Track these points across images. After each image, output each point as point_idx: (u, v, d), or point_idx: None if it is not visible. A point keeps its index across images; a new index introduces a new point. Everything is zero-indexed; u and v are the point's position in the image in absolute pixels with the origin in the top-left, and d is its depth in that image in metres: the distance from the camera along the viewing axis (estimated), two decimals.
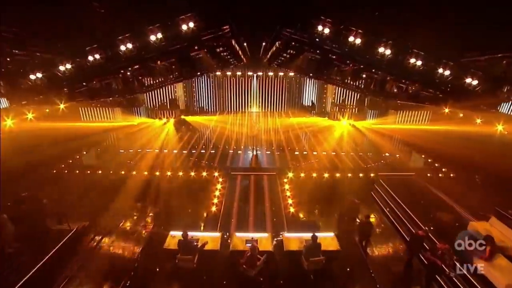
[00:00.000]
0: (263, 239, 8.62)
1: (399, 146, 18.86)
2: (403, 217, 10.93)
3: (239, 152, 16.95)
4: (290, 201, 11.67)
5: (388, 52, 11.75)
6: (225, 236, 9.40)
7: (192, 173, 13.75)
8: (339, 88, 23.89)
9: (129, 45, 11.54)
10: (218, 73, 24.29)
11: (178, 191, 12.64)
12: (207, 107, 25.75)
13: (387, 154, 17.04)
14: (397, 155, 17.08)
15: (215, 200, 11.63)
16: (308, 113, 24.40)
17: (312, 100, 25.08)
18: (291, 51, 13.25)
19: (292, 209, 11.20)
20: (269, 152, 17.03)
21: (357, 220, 11.08)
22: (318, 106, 25.17)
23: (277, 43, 13.53)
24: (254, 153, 16.47)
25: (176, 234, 8.69)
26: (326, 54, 12.12)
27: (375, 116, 21.90)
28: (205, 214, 11.16)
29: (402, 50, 11.73)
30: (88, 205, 11.43)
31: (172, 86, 24.03)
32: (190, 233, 8.45)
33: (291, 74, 24.28)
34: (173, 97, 24.25)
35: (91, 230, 10.20)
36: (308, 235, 8.31)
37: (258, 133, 16.67)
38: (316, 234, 8.16)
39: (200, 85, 25.15)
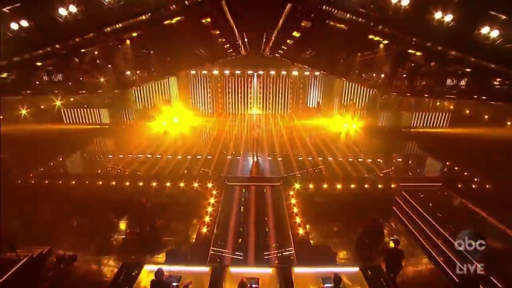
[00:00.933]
0: (266, 278, 6.55)
1: (417, 151, 16.83)
2: (437, 239, 8.84)
3: (238, 158, 14.91)
4: (298, 219, 9.59)
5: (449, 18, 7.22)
6: (217, 269, 7.32)
7: (181, 184, 11.71)
8: (347, 88, 22.02)
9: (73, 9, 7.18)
10: (216, 71, 22.39)
11: (163, 206, 10.62)
12: (203, 109, 23.77)
13: (399, 160, 15.09)
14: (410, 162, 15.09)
15: (207, 219, 9.57)
16: (313, 115, 22.40)
17: (318, 101, 23.10)
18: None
19: (301, 230, 9.13)
20: (270, 158, 14.97)
21: (381, 241, 9.06)
22: (324, 108, 23.18)
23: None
24: (255, 159, 14.45)
25: (153, 269, 6.62)
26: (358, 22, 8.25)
27: (387, 118, 19.89)
28: (192, 238, 9.12)
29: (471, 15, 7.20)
30: (54, 223, 9.45)
31: (167, 85, 22.21)
32: (169, 268, 6.43)
33: (295, 73, 22.36)
34: (166, 98, 22.33)
35: (51, 257, 8.17)
36: (325, 270, 6.28)
37: (259, 136, 14.63)
38: (337, 270, 6.11)
39: (196, 85, 23.22)
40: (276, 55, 13.91)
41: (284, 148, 16.33)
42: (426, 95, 10.70)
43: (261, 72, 22.65)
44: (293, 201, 10.80)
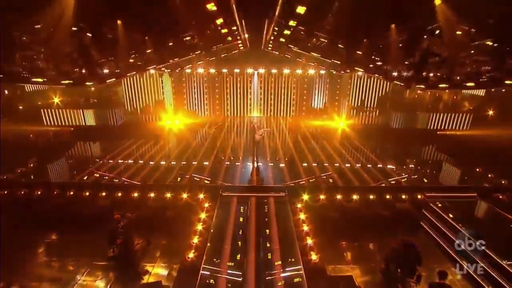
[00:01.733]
0: None
1: (439, 156, 14.95)
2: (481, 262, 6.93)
3: (237, 164, 13.05)
4: (309, 240, 7.67)
5: None
6: None
7: (168, 195, 9.81)
8: (356, 88, 20.27)
9: None
10: (213, 70, 20.65)
11: (143, 223, 8.71)
12: (199, 110, 21.95)
13: (411, 166, 13.28)
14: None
15: (195, 240, 7.66)
16: (319, 116, 20.58)
17: (324, 102, 21.30)
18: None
19: (314, 256, 7.21)
20: (272, 164, 13.09)
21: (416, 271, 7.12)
22: (330, 109, 21.35)
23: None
24: (255, 165, 12.57)
25: None
26: None
27: (401, 120, 18.05)
28: (174, 270, 7.22)
29: None
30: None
31: (159, 85, 20.47)
32: None
33: (299, 71, 20.62)
34: (158, 98, 20.57)
35: None
36: None
37: (261, 138, 12.78)
38: None
39: (192, 85, 21.45)
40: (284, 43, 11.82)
41: (288, 152, 14.47)
42: (470, 84, 8.74)
43: (261, 71, 20.92)
44: (302, 216, 8.88)
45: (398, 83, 10.03)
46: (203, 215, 8.81)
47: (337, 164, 13.04)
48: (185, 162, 13.00)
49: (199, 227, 8.29)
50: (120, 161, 13.14)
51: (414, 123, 17.57)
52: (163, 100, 20.12)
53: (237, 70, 20.70)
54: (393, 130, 17.67)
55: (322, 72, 20.70)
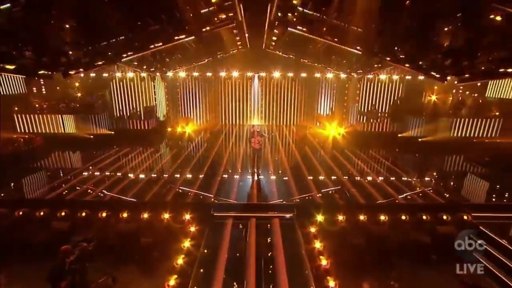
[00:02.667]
0: None
1: (467, 166, 12.87)
2: None
3: (235, 177, 10.96)
4: (332, 283, 5.52)
5: None
6: None
7: (145, 215, 7.71)
8: (366, 93, 18.46)
9: None
10: (209, 73, 18.90)
11: (108, 254, 6.62)
12: (194, 117, 20.03)
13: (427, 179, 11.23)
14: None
15: (172, 281, 5.54)
16: (326, 123, 18.63)
17: (330, 108, 19.41)
18: None
19: None
20: (274, 177, 11.00)
21: None
22: (338, 115, 19.42)
23: None
24: (256, 178, 10.54)
25: None
26: None
27: (419, 126, 16.07)
28: None
29: None
30: None
31: (149, 90, 18.65)
32: None
33: (304, 74, 18.85)
34: (150, 104, 18.69)
35: None
36: None
37: (261, 146, 10.79)
38: None
39: (186, 90, 19.64)
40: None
41: (295, 164, 12.42)
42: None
43: (263, 74, 19.15)
44: (318, 244, 6.75)
45: (434, 74, 8.12)
46: (186, 243, 6.70)
47: (356, 178, 10.95)
48: (166, 175, 10.92)
49: (181, 260, 6.16)
50: (96, 173, 11.09)
51: (434, 130, 15.57)
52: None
53: (235, 74, 18.93)
54: (412, 139, 15.67)
55: (329, 75, 18.91)
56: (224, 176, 10.84)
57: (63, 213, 7.69)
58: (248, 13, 10.41)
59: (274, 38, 13.96)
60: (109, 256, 6.67)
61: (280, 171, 11.53)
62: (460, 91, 18.38)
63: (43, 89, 18.27)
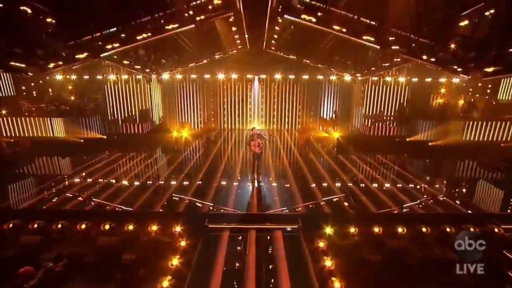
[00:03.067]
0: None
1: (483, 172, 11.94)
2: None
3: (233, 184, 10.05)
4: None
5: None
6: None
7: (130, 226, 6.76)
8: (371, 95, 17.71)
9: None
10: (207, 75, 18.12)
11: (84, 274, 5.66)
12: (192, 121, 19.19)
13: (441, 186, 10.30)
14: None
15: None
16: (330, 127, 17.81)
17: (335, 111, 18.56)
18: None
19: None
20: (276, 184, 10.05)
21: None
22: (342, 119, 18.61)
23: None
24: (256, 185, 9.61)
25: None
26: None
27: (428, 129, 15.20)
28: None
29: None
30: None
31: (144, 92, 17.90)
32: None
33: (305, 76, 18.06)
34: (145, 107, 17.90)
35: None
36: None
37: (262, 150, 9.91)
38: None
39: (183, 92, 18.85)
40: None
41: (298, 170, 11.50)
42: None
43: (263, 76, 18.37)
44: (328, 262, 5.79)
45: (456, 67, 7.27)
46: (175, 261, 5.75)
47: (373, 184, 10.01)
48: (157, 182, 10.00)
49: (166, 282, 5.21)
50: (81, 179, 10.17)
51: (445, 133, 14.68)
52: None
53: (235, 76, 18.15)
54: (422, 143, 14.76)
55: (332, 77, 18.13)
56: (221, 183, 9.90)
57: (35, 225, 6.75)
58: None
59: (275, 36, 13.21)
60: (85, 277, 5.70)
61: (282, 178, 10.58)
62: (470, 93, 17.59)
63: (34, 92, 17.53)
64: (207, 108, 19.17)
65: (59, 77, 16.85)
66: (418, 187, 9.79)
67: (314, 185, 9.69)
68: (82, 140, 14.39)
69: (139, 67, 14.72)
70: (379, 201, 8.48)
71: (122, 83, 17.66)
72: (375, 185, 9.85)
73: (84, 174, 10.58)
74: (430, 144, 14.31)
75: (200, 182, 9.84)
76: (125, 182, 9.83)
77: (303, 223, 7.10)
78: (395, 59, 13.16)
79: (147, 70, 15.50)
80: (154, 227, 6.74)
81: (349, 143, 14.67)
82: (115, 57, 13.37)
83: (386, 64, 14.20)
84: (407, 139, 15.25)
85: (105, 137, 15.34)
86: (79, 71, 16.92)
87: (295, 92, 18.77)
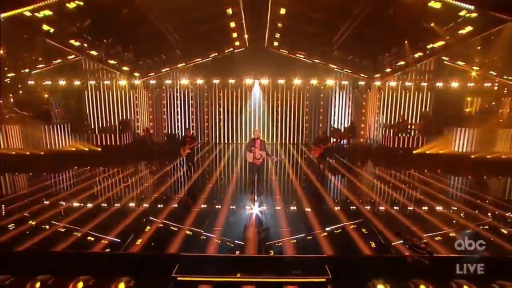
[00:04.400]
0: None
1: None
2: None
3: (231, 207, 7.23)
4: None
5: None
6: None
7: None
8: (389, 102, 15.38)
9: None
10: (200, 81, 15.76)
11: None
12: (181, 133, 16.54)
13: None
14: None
15: None
16: (344, 139, 15.16)
17: (351, 120, 15.94)
18: None
19: None
20: (279, 208, 7.18)
21: None
22: (358, 128, 16.00)
23: None
24: (256, 211, 6.76)
25: None
26: None
27: (465, 140, 12.51)
28: None
29: None
30: None
31: (128, 99, 15.58)
32: None
33: (313, 81, 15.65)
34: (127, 116, 15.46)
35: None
36: None
37: (261, 159, 7.27)
38: None
39: (172, 101, 16.41)
40: None
41: (312, 190, 8.74)
42: None
43: (264, 82, 15.97)
44: None
45: None
46: None
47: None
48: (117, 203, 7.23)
49: None
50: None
51: (489, 144, 11.99)
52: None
53: (232, 81, 15.75)
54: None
55: (344, 82, 15.75)
56: (203, 206, 7.11)
57: None
58: None
59: (280, 25, 10.88)
60: None
61: (293, 200, 7.77)
62: None
63: None
64: (200, 118, 16.62)
65: (31, 82, 14.63)
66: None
67: (339, 208, 6.91)
68: (42, 153, 11.72)
69: (116, 62, 12.31)
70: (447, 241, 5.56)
71: (103, 89, 15.39)
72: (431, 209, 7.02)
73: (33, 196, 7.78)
74: (472, 156, 11.56)
75: (175, 206, 7.06)
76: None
77: (333, 273, 4.27)
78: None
79: (126, 69, 13.11)
80: (80, 285, 3.92)
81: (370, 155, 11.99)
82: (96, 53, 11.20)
83: (417, 55, 11.71)
84: (440, 151, 12.54)
85: (74, 149, 12.70)
86: (53, 76, 14.70)
87: (301, 99, 16.30)
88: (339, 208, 6.96)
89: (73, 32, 9.00)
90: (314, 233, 5.58)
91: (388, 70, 13.17)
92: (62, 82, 14.98)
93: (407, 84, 15.40)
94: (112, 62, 11.95)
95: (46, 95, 14.57)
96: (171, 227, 5.78)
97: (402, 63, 12.35)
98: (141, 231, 5.53)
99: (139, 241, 5.13)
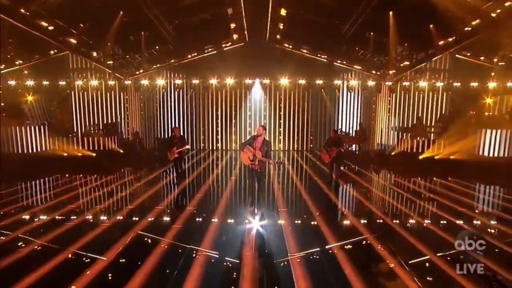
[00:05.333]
0: None
1: None
2: None
3: (230, 222, 5.70)
4: None
5: None
6: None
7: None
8: (403, 104, 14.11)
9: None
10: (196, 81, 14.46)
11: None
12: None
13: None
14: None
15: None
16: (354, 143, 13.75)
17: (360, 122, 14.53)
18: None
19: None
20: (283, 222, 5.65)
21: None
22: (369, 132, 14.58)
23: None
24: (257, 228, 5.25)
25: None
26: None
27: (494, 143, 11.07)
28: None
29: None
30: None
31: (117, 101, 14.32)
32: None
33: (319, 81, 14.32)
34: (114, 119, 14.12)
35: None
36: None
37: (261, 163, 5.76)
38: None
39: (165, 103, 15.05)
40: None
41: (325, 201, 7.26)
42: None
43: (266, 82, 14.64)
44: None
45: None
46: None
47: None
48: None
49: None
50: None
51: None
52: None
53: (230, 80, 14.41)
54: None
55: (353, 82, 14.43)
56: (197, 220, 5.64)
57: None
58: None
59: (283, 13, 9.61)
60: None
61: (303, 213, 6.27)
62: None
63: None
64: (195, 122, 15.23)
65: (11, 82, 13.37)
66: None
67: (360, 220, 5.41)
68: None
69: (97, 55, 10.98)
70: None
71: (89, 90, 14.14)
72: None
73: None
74: None
75: (151, 219, 5.58)
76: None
77: None
78: None
79: (111, 63, 11.78)
80: None
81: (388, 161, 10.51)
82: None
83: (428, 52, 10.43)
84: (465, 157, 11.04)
85: (65, 154, 11.34)
86: (37, 76, 13.47)
87: (307, 100, 14.95)
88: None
89: (40, 13, 7.67)
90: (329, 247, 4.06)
91: (406, 63, 11.76)
92: (46, 82, 13.79)
93: (421, 84, 14.12)
94: (94, 54, 10.58)
95: (29, 96, 13.35)
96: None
97: (423, 55, 10.88)
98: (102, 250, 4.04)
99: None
